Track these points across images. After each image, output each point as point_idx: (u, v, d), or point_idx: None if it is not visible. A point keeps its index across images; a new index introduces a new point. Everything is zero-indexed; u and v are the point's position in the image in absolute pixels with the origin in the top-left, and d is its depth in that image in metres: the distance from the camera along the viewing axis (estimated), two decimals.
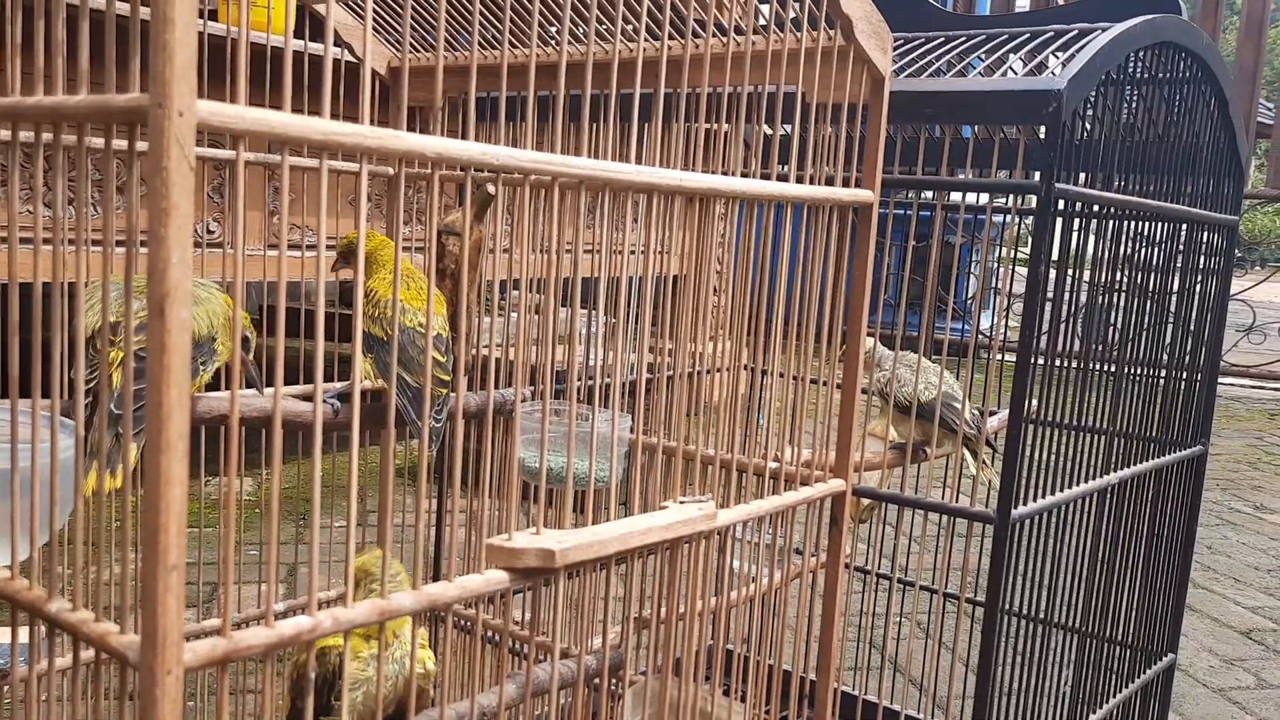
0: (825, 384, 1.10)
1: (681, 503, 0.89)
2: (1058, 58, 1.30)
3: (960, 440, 1.36)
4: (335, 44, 1.11)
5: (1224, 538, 3.57)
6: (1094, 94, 1.25)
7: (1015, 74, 1.36)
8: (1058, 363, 1.29)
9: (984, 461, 1.42)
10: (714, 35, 1.01)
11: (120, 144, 0.65)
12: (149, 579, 0.55)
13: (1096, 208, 1.29)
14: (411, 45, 1.52)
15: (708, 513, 0.89)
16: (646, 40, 1.15)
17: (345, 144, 0.60)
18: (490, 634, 1.45)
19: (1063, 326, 1.27)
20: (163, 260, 0.53)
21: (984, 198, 1.31)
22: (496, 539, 0.75)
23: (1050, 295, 1.23)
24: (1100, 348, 1.40)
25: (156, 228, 0.53)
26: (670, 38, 1.17)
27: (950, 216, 2.12)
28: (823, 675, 1.14)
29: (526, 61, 1.30)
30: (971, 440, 1.39)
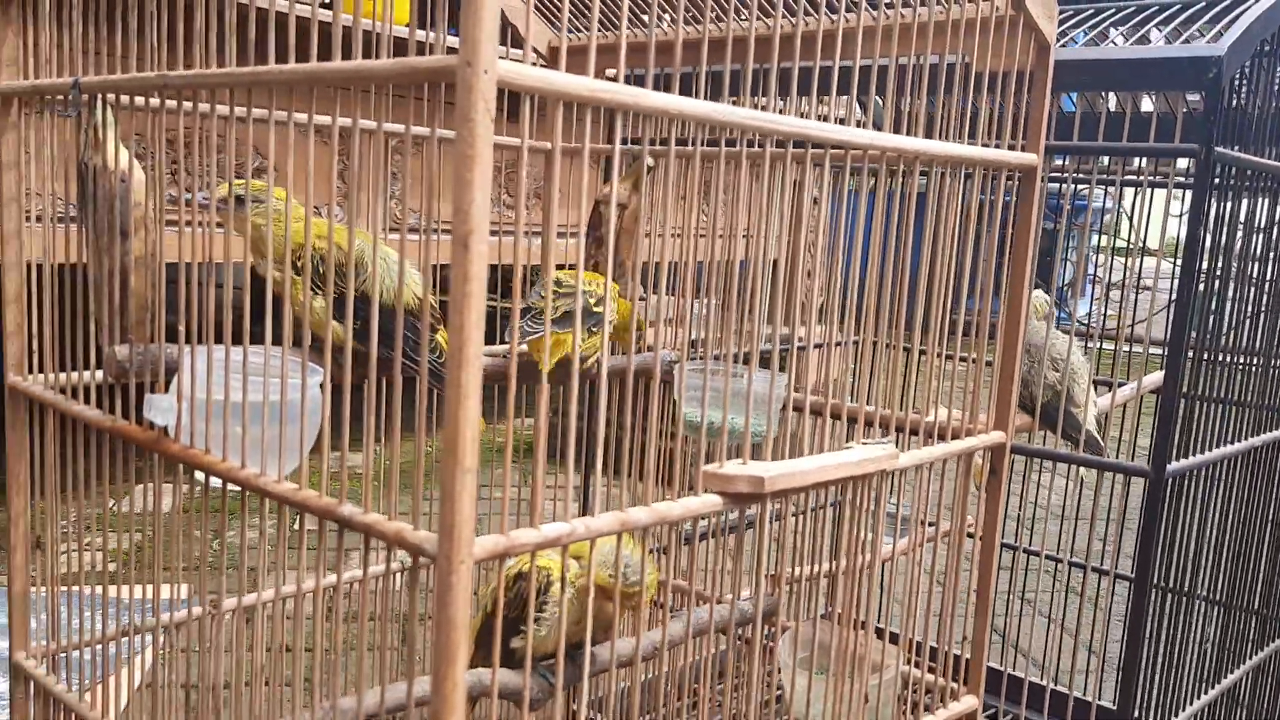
0: (972, 349, 1.15)
1: (864, 444, 0.95)
2: (1203, 34, 1.33)
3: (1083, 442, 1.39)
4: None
5: None
6: (1247, 64, 1.27)
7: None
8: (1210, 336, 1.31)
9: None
10: (884, 8, 1.06)
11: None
12: (448, 480, 0.64)
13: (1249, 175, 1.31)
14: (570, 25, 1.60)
15: (890, 453, 0.95)
16: (811, 15, 1.21)
17: (623, 103, 0.68)
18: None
19: (1216, 299, 1.30)
20: (468, 201, 0.61)
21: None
22: (710, 466, 0.83)
23: (1199, 267, 1.26)
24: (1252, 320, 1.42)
25: (463, 172, 0.61)
26: (833, 11, 1.23)
27: (1047, 202, 2.14)
28: (980, 617, 1.19)
29: (690, 39, 1.37)
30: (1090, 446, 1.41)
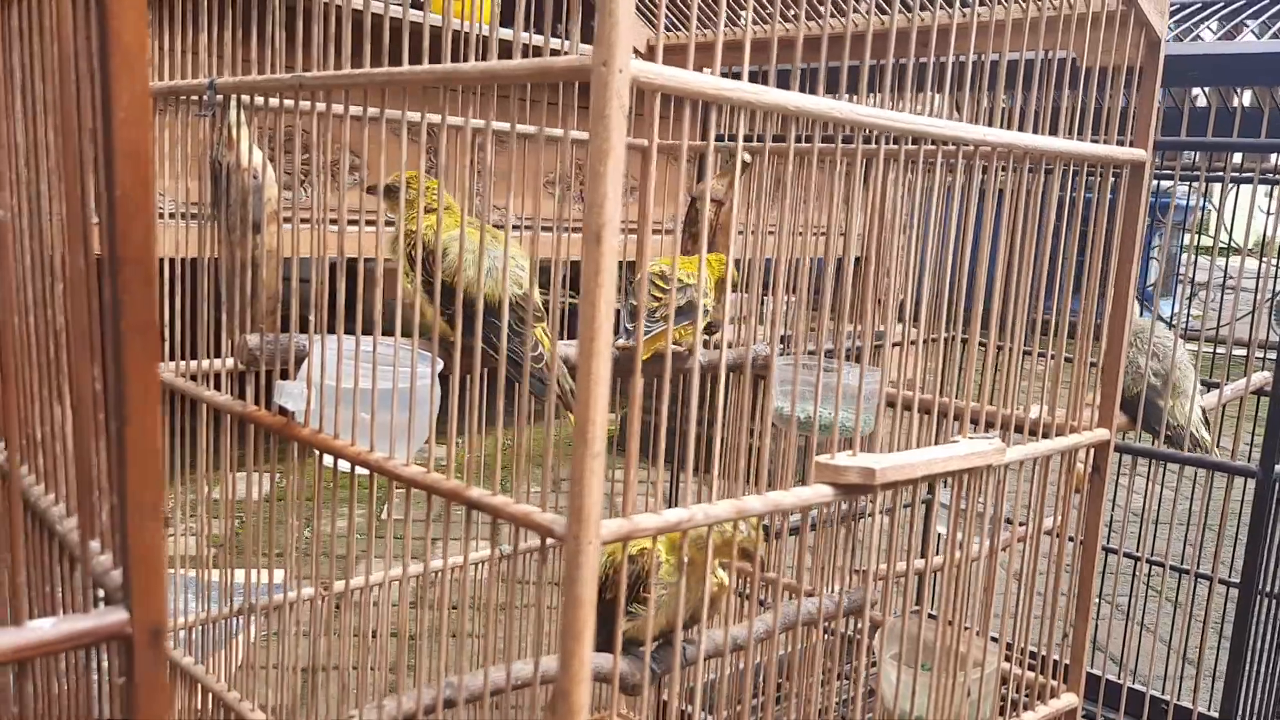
0: (1074, 349, 1.14)
1: (970, 438, 0.96)
2: None
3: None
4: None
5: None
6: None
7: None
8: None
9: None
10: (999, 3, 1.06)
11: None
12: (578, 464, 0.66)
13: None
14: (667, 24, 1.62)
15: (997, 448, 0.95)
16: (926, 11, 1.21)
17: (746, 100, 0.69)
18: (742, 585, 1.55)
19: None
20: (601, 194, 0.64)
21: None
22: (822, 457, 0.84)
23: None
24: None
25: (596, 166, 0.64)
26: (940, 7, 1.23)
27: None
28: (1081, 616, 1.18)
29: (787, 36, 1.38)
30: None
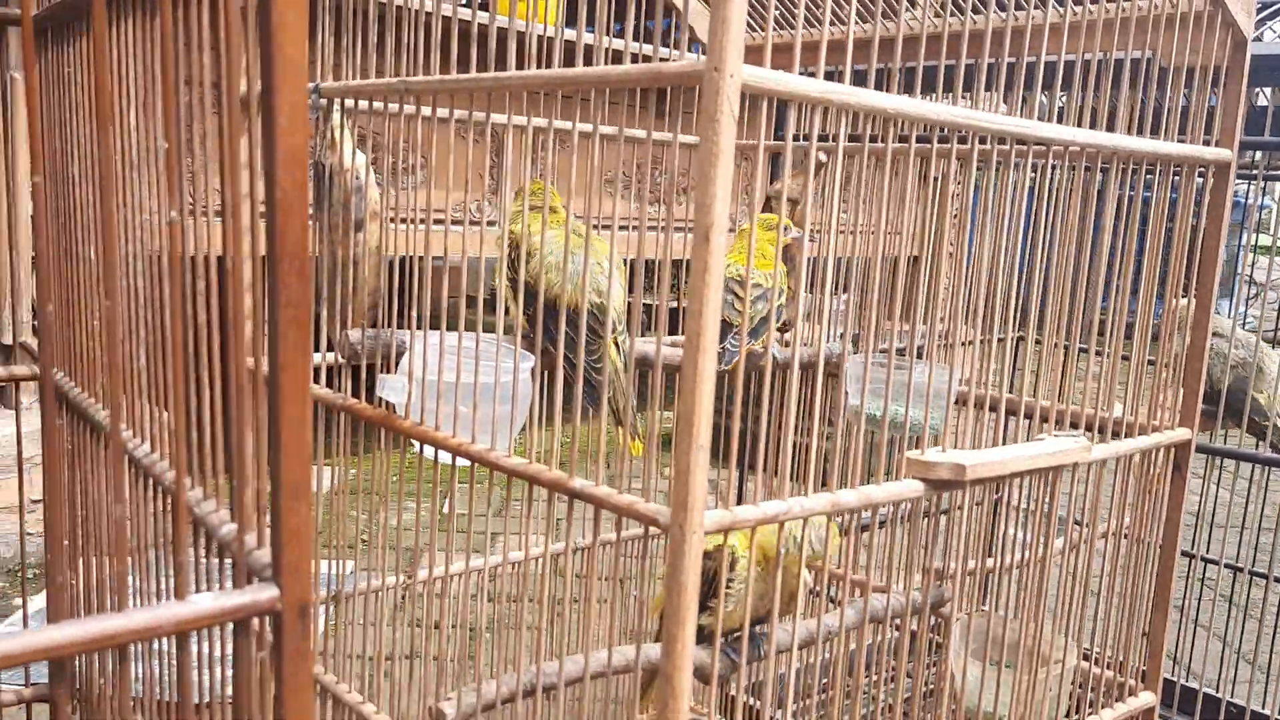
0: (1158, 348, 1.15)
1: (1055, 436, 0.97)
2: None
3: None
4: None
5: None
6: None
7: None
8: None
9: None
10: (1087, 3, 1.07)
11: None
12: (683, 456, 0.69)
13: None
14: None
15: (1083, 445, 0.96)
16: (1019, 11, 1.22)
17: (849, 104, 0.71)
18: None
19: None
20: (711, 195, 0.66)
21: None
22: (913, 453, 0.86)
23: None
24: None
25: (706, 169, 0.66)
26: (1035, 7, 1.23)
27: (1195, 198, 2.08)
28: (1159, 614, 1.18)
29: (886, 35, 1.39)
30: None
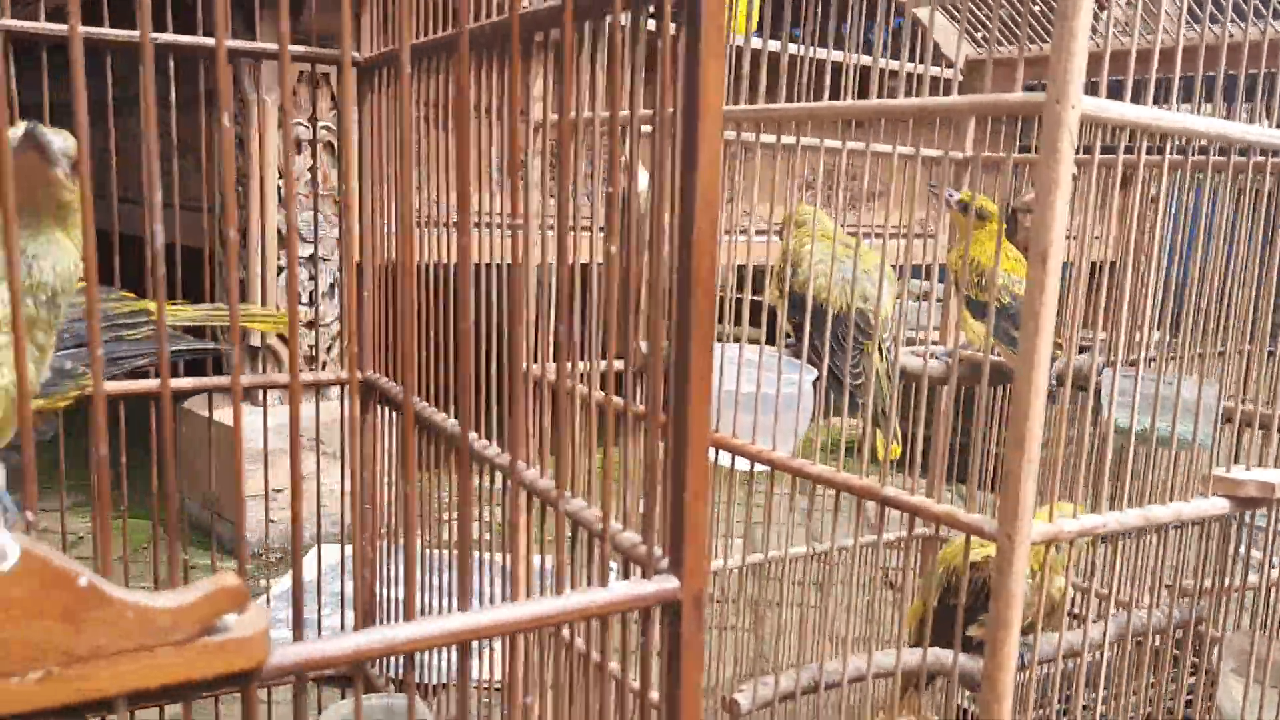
0: None
1: None
2: None
3: None
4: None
5: None
6: None
7: None
8: None
9: None
10: None
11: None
12: (1014, 468, 0.72)
13: None
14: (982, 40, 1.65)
15: None
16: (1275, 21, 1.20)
17: (1168, 129, 0.73)
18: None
19: None
20: (1050, 219, 0.69)
21: None
22: (1218, 470, 0.86)
23: None
24: None
25: (1046, 195, 0.69)
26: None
27: None
28: None
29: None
30: None
